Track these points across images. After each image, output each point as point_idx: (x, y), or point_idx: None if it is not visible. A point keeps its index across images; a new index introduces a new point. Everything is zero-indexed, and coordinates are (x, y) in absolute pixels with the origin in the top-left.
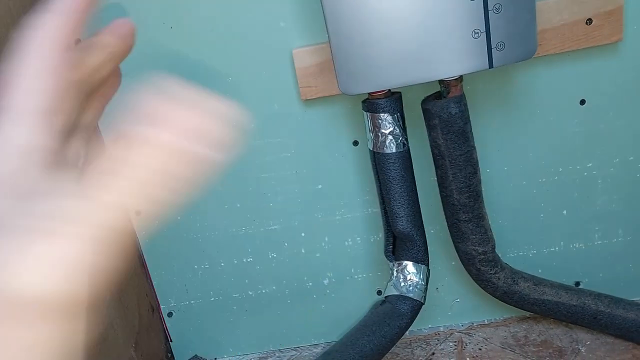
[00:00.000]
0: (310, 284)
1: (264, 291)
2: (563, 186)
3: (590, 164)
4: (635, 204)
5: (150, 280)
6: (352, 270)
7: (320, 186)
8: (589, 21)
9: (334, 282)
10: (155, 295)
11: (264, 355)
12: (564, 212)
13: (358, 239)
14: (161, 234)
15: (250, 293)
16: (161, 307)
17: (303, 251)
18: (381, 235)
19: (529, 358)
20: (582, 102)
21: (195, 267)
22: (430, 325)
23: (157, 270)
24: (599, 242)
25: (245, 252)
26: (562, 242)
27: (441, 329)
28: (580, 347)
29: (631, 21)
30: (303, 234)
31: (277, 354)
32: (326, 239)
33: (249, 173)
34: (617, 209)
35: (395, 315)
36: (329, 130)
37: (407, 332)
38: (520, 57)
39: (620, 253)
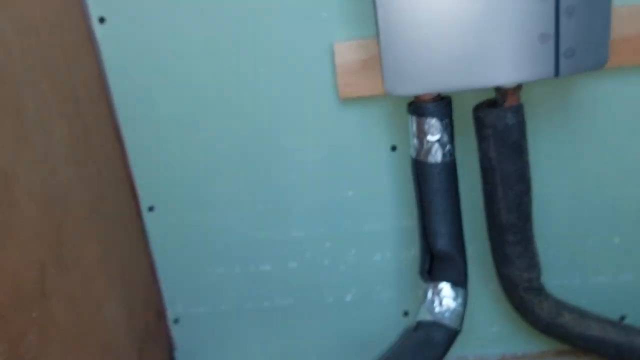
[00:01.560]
0: (332, 299)
1: (280, 303)
2: (619, 212)
3: None
4: None
5: (159, 282)
6: (379, 288)
7: (350, 192)
8: None
9: (358, 299)
10: (162, 298)
11: None
12: (616, 240)
13: (388, 253)
14: (174, 232)
15: (266, 304)
16: (168, 312)
17: (326, 263)
18: (415, 251)
19: None
20: None
21: (209, 271)
22: (459, 353)
23: (166, 272)
24: None
25: (263, 259)
26: (610, 273)
27: (470, 358)
28: None
29: None
30: (328, 244)
31: None
32: (353, 251)
33: (275, 173)
34: None
35: (429, 345)
36: (366, 133)
37: None
38: (590, 66)
39: None
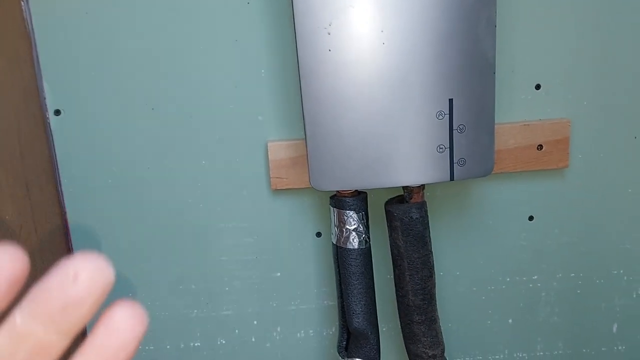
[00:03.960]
0: None
1: None
2: (510, 296)
3: (536, 277)
4: (575, 319)
5: None
6: None
7: (279, 274)
8: (540, 147)
9: None
10: None
11: None
12: (510, 320)
13: (311, 331)
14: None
15: None
16: None
17: (253, 339)
18: (334, 329)
19: None
20: (531, 218)
21: (139, 348)
22: None
23: None
24: (541, 353)
25: (194, 336)
26: (506, 351)
27: None
28: None
29: (576, 151)
30: (255, 322)
31: None
32: (278, 329)
33: (210, 255)
34: (558, 321)
35: None
36: (294, 220)
37: None
38: (479, 173)
39: None
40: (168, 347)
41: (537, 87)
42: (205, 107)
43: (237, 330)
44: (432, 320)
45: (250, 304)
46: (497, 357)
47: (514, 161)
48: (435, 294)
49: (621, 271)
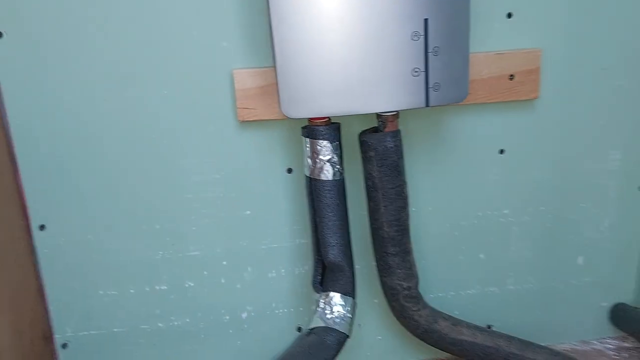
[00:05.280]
0: (228, 317)
1: (176, 323)
2: (481, 231)
3: (507, 211)
4: (544, 254)
5: (46, 304)
6: (274, 305)
7: (248, 212)
8: (512, 77)
9: (253, 316)
10: (50, 322)
11: None
12: (481, 256)
13: (283, 270)
14: (66, 252)
15: (161, 325)
16: (55, 336)
17: (223, 281)
18: (307, 267)
19: None
20: (502, 151)
21: (101, 292)
22: None
23: (56, 293)
24: (512, 287)
25: (159, 279)
26: (478, 285)
27: None
28: None
29: (546, 81)
30: (225, 263)
31: None
32: (249, 269)
33: (174, 193)
34: (528, 255)
35: (321, 347)
36: (263, 155)
37: None
38: (453, 99)
39: (530, 300)
40: (132, 291)
41: (509, 15)
42: (166, 34)
43: (205, 272)
44: (406, 252)
45: (219, 244)
46: (469, 292)
47: (488, 91)
48: (409, 225)
49: (589, 204)
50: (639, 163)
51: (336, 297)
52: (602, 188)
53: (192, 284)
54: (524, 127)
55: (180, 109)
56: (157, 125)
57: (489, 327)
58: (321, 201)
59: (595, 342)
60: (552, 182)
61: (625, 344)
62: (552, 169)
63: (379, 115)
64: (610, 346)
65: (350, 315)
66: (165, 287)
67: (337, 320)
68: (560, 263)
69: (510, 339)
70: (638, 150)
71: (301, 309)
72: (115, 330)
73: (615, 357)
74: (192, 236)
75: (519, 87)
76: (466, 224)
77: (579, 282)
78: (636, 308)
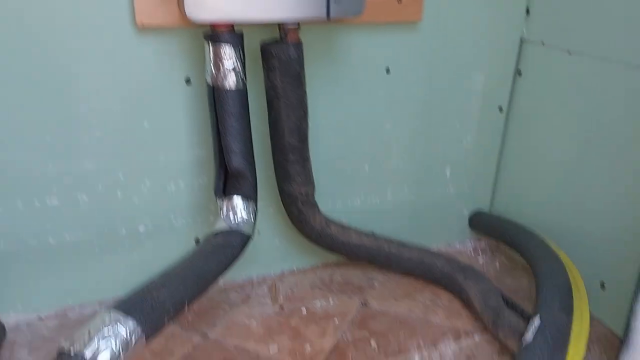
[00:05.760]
0: (124, 231)
1: (68, 239)
2: (367, 144)
3: (389, 126)
4: (418, 166)
5: None
6: (172, 217)
7: (145, 123)
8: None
9: (151, 229)
10: None
11: (61, 312)
12: (366, 167)
13: (182, 183)
14: None
15: (52, 241)
16: None
17: (119, 195)
18: (205, 179)
19: (335, 293)
20: (388, 70)
21: None
22: (244, 274)
23: None
24: (390, 198)
25: (49, 193)
26: (363, 196)
27: (254, 278)
28: (375, 283)
29: (429, 5)
30: (121, 176)
31: (77, 309)
32: (147, 182)
33: (66, 102)
34: (404, 168)
35: (227, 246)
36: (161, 64)
37: (222, 281)
38: (352, 12)
39: (406, 208)
40: (20, 206)
41: None
42: None
43: (100, 186)
44: (305, 160)
45: (114, 156)
46: (355, 203)
47: (377, 12)
48: (308, 135)
49: (456, 122)
50: (500, 85)
51: (239, 202)
52: (467, 107)
53: (85, 198)
54: (408, 48)
55: (73, 11)
56: (46, 27)
57: (372, 233)
58: (225, 110)
59: (457, 244)
60: (428, 100)
61: (481, 245)
62: (428, 88)
63: (280, 27)
64: (469, 246)
65: (252, 219)
66: (57, 202)
67: (241, 223)
68: (431, 175)
69: (390, 241)
70: (499, 74)
71: (199, 220)
72: (1, 247)
73: (472, 254)
74: (86, 149)
75: (404, 10)
76: (355, 137)
77: (445, 192)
78: (490, 214)
